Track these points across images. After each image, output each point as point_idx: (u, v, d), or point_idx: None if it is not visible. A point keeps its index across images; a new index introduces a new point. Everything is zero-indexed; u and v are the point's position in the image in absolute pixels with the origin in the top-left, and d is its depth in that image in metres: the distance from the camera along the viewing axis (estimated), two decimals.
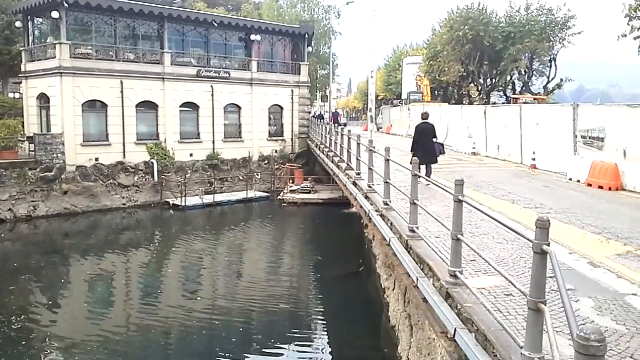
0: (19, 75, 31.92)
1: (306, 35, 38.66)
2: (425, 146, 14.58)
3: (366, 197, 12.96)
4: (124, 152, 29.57)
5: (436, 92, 53.86)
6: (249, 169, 34.69)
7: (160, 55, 31.52)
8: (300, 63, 38.37)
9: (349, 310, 15.45)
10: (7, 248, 22.65)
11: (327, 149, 25.19)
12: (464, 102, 48.64)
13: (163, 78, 31.14)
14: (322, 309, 16.28)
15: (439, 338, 6.24)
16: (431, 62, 48.61)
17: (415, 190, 8.39)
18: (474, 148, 24.92)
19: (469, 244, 5.92)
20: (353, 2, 45.60)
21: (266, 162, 35.96)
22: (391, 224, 9.88)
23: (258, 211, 30.78)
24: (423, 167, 13.78)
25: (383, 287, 12.68)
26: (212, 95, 33.30)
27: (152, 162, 30.14)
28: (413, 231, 8.38)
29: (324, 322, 15.25)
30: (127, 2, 29.83)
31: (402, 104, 51.12)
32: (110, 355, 12.71)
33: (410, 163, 8.87)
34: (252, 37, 35.24)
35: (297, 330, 14.50)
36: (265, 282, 18.33)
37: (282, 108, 37.47)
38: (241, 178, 33.73)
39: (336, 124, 33.23)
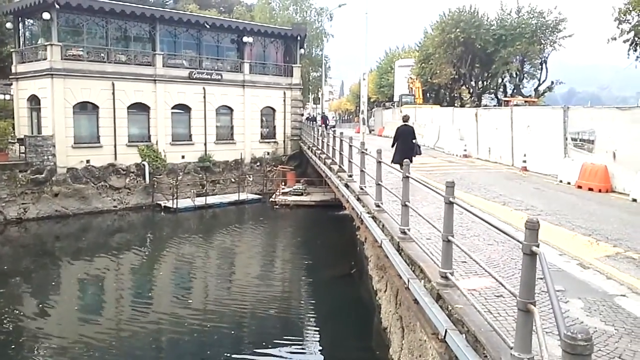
0: (10, 76, 31.72)
1: (298, 38, 38.69)
2: (405, 146, 15.27)
3: (358, 199, 12.98)
4: (115, 154, 29.44)
5: (428, 94, 54.04)
6: (241, 171, 34.64)
7: (152, 57, 31.43)
8: (293, 65, 38.39)
9: (341, 313, 15.47)
10: None
11: (319, 151, 25.22)
12: (455, 104, 48.81)
13: (155, 80, 31.05)
14: (314, 312, 16.29)
15: (430, 339, 6.27)
16: (423, 64, 48.79)
17: (407, 193, 8.42)
18: (465, 150, 25.03)
19: (460, 246, 5.95)
20: (345, 5, 45.72)
21: (258, 164, 35.93)
22: (383, 225, 9.91)
23: (250, 213, 30.74)
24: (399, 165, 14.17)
25: (375, 289, 12.71)
26: (204, 97, 33.24)
27: (143, 164, 30.03)
28: (405, 233, 8.41)
29: (316, 324, 15.25)
30: (118, 3, 29.71)
31: (394, 106, 51.27)
32: (101, 358, 12.64)
33: (401, 165, 8.90)
34: (245, 39, 35.23)
35: (289, 333, 14.48)
36: (257, 285, 18.30)
37: (274, 110, 37.45)
38: (233, 180, 33.67)
39: (325, 126, 33.26)
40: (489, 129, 23.27)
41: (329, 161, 20.94)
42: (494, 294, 6.06)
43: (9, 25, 31.47)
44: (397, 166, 11.92)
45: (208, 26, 33.76)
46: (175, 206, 28.91)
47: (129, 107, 30.15)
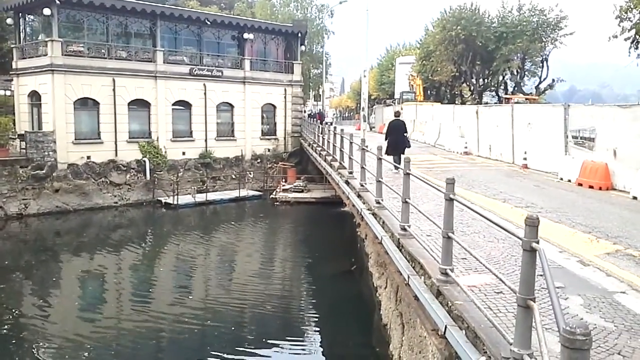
0: (10, 72, 31.71)
1: (299, 34, 38.65)
2: (397, 140, 16.26)
3: (359, 196, 12.99)
4: (116, 150, 29.47)
5: (429, 91, 54.05)
6: (241, 167, 34.67)
7: (152, 54, 31.42)
8: (294, 62, 38.37)
9: (341, 309, 15.50)
10: None
11: (319, 148, 25.22)
12: (456, 102, 48.82)
13: (155, 76, 31.05)
14: (315, 308, 16.31)
15: (430, 336, 6.29)
16: (424, 61, 48.79)
17: (407, 189, 8.43)
18: (466, 148, 25.03)
19: (460, 242, 5.97)
20: (346, 2, 45.62)
21: (259, 161, 35.95)
22: (383, 222, 9.92)
23: (250, 210, 30.76)
24: (392, 157, 15.70)
25: (375, 285, 12.73)
26: (205, 93, 33.24)
27: (144, 161, 30.06)
28: (405, 229, 8.42)
29: (317, 321, 15.27)
30: (119, 0, 29.69)
31: (394, 103, 51.22)
32: (101, 354, 12.69)
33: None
34: (245, 35, 35.21)
35: (290, 329, 14.52)
36: (258, 281, 18.32)
37: (275, 107, 37.45)
38: (234, 177, 33.70)
39: (320, 122, 33.35)
40: (489, 126, 23.26)
41: (329, 158, 20.94)
42: (494, 291, 6.08)
43: (9, 21, 31.48)
44: (390, 158, 12.65)
45: (209, 23, 33.74)
46: (175, 202, 28.94)
47: (129, 103, 30.16)
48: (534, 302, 3.95)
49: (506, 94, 44.14)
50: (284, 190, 32.11)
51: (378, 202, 10.80)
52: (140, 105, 30.74)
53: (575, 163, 15.97)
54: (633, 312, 5.69)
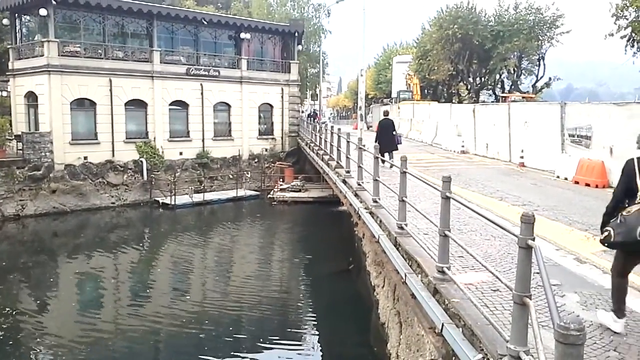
0: (7, 73, 31.65)
1: (296, 34, 38.62)
2: (387, 137, 17.32)
3: (356, 195, 13.00)
4: (113, 150, 29.43)
5: (426, 90, 54.09)
6: (239, 167, 34.65)
7: (149, 54, 31.38)
8: (291, 61, 38.35)
9: (339, 308, 15.51)
10: None
11: (317, 148, 25.22)
12: (453, 100, 48.86)
13: (152, 76, 31.01)
14: (312, 307, 16.32)
15: (428, 334, 6.29)
16: (421, 61, 48.83)
17: (404, 188, 8.44)
18: (463, 146, 25.06)
19: (457, 240, 5.97)
20: (343, 1, 45.59)
21: (256, 160, 35.93)
22: (380, 221, 9.93)
23: (248, 210, 30.76)
24: (386, 154, 16.80)
25: (373, 284, 12.73)
26: (202, 93, 33.22)
27: (141, 161, 30.02)
28: (402, 228, 8.43)
29: (314, 320, 15.28)
30: (116, 0, 29.64)
31: (392, 102, 51.25)
32: (98, 355, 12.68)
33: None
34: (242, 35, 35.17)
35: (287, 329, 14.52)
36: (255, 281, 18.32)
37: (272, 106, 37.42)
38: (231, 177, 33.67)
39: (313, 121, 33.50)
40: (486, 125, 23.29)
41: (326, 157, 20.95)
42: (490, 288, 6.09)
43: (5, 21, 31.39)
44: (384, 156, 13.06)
45: (205, 22, 33.70)
46: (173, 203, 28.90)
47: (126, 104, 30.11)
48: (530, 299, 3.96)
49: (503, 92, 44.20)
50: (282, 190, 32.11)
51: (375, 201, 10.82)
52: (137, 105, 30.69)
53: (572, 161, 16.00)
54: (629, 310, 5.69)
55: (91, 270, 19.82)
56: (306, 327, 14.92)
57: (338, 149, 18.14)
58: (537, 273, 3.80)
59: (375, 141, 16.42)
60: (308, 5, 53.53)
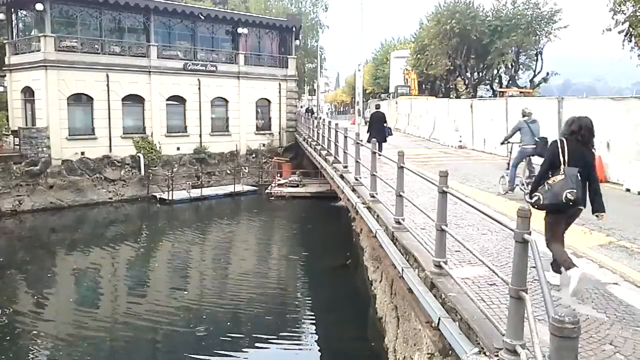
0: (3, 68, 31.48)
1: (294, 29, 38.56)
2: (378, 129, 18.44)
3: (353, 190, 13.00)
4: (110, 146, 29.38)
5: (423, 85, 54.10)
6: (236, 162, 34.62)
7: (146, 49, 31.30)
8: (288, 56, 38.29)
9: (337, 303, 15.52)
10: None
11: (314, 143, 25.21)
12: (451, 95, 48.86)
13: (149, 71, 30.94)
14: (311, 302, 16.35)
15: (425, 328, 6.31)
16: (419, 55, 48.79)
17: (402, 183, 8.44)
18: (460, 141, 25.06)
19: (454, 235, 5.98)
20: None
21: (254, 155, 35.91)
22: (377, 216, 9.94)
23: (246, 205, 30.77)
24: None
25: (370, 279, 12.77)
26: (199, 88, 33.15)
27: (138, 156, 29.98)
28: (399, 223, 8.44)
29: (312, 315, 15.32)
30: None
31: (389, 97, 51.26)
32: (96, 350, 12.69)
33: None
34: (240, 30, 35.11)
35: (286, 324, 14.54)
36: (253, 276, 18.34)
37: (269, 102, 37.37)
38: (229, 172, 33.65)
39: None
40: (484, 120, 23.29)
41: (324, 152, 20.95)
42: (487, 283, 6.11)
43: (1, 16, 31.15)
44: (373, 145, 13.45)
45: (203, 17, 33.62)
46: (170, 198, 28.88)
47: (123, 99, 30.05)
48: (527, 293, 3.97)
49: (501, 87, 44.19)
50: (279, 185, 32.10)
51: (372, 196, 10.82)
52: (134, 100, 30.63)
53: None
54: (625, 303, 5.73)
55: (88, 266, 19.81)
56: (304, 322, 14.95)
57: (335, 144, 18.13)
58: (534, 267, 3.81)
59: (367, 132, 17.65)
60: (306, 0, 53.45)
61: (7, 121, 29.44)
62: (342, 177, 15.14)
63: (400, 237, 8.09)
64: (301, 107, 42.33)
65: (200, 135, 33.34)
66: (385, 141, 19.18)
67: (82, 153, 28.34)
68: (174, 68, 32.11)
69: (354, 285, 16.01)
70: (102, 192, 28.82)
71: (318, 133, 24.54)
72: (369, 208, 10.80)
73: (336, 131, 17.97)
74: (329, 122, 21.59)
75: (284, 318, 15.01)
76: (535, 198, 6.09)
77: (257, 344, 13.11)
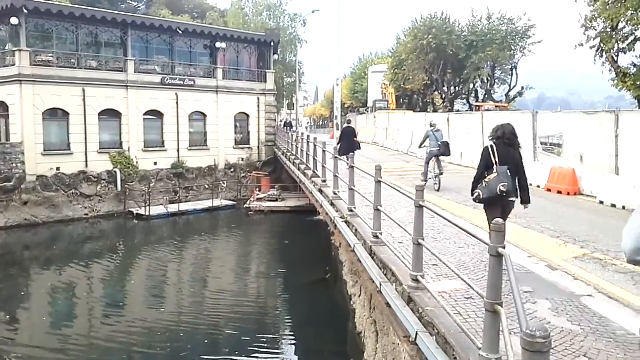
0: None
1: (272, 43, 38.69)
2: (348, 142, 18.51)
3: (332, 204, 13.00)
4: (86, 161, 29.00)
5: (401, 100, 54.50)
6: (215, 177, 34.43)
7: (123, 63, 31.10)
8: (267, 71, 38.37)
9: (316, 318, 15.45)
10: None
11: (293, 157, 25.21)
12: (428, 110, 49.35)
13: (127, 86, 30.72)
14: (290, 317, 16.25)
15: (403, 342, 6.30)
16: (396, 70, 49.21)
17: (379, 197, 8.47)
18: None
19: (430, 249, 6.00)
20: (319, 11, 45.91)
21: (233, 170, 35.75)
22: (356, 230, 9.94)
23: (224, 220, 30.55)
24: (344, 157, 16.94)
25: (350, 294, 12.74)
26: (177, 103, 32.99)
27: (115, 172, 29.63)
28: (377, 237, 8.45)
29: (291, 330, 15.22)
30: (89, 9, 29.44)
31: (368, 112, 51.56)
32: None
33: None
34: (218, 44, 35.11)
35: (264, 339, 14.40)
36: (232, 292, 18.18)
37: (248, 116, 37.33)
38: (207, 187, 33.43)
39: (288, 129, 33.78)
40: (460, 133, 23.54)
41: (303, 166, 20.95)
42: (464, 296, 6.14)
43: None
44: (344, 157, 13.95)
45: (181, 32, 33.56)
46: (147, 214, 28.56)
47: (100, 114, 29.75)
48: (502, 306, 3.99)
49: (477, 101, 44.73)
50: (258, 200, 31.99)
51: (351, 210, 10.84)
52: (111, 115, 30.34)
53: (544, 169, 16.26)
54: (599, 315, 5.80)
55: (64, 283, 19.45)
56: (283, 337, 14.84)
57: (314, 159, 18.15)
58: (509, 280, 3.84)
59: (337, 144, 18.12)
60: (284, 15, 53.68)
61: None
62: (320, 191, 15.14)
63: (378, 252, 8.10)
64: (280, 121, 42.35)
65: (178, 150, 33.10)
66: (353, 153, 19.32)
67: (58, 168, 27.93)
68: (151, 82, 31.92)
69: (333, 299, 15.96)
70: (78, 208, 28.38)
71: (297, 147, 24.55)
72: (347, 222, 10.80)
73: (315, 145, 17.99)
74: (308, 136, 21.62)
75: (263, 335, 14.87)
76: (476, 194, 7.33)
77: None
